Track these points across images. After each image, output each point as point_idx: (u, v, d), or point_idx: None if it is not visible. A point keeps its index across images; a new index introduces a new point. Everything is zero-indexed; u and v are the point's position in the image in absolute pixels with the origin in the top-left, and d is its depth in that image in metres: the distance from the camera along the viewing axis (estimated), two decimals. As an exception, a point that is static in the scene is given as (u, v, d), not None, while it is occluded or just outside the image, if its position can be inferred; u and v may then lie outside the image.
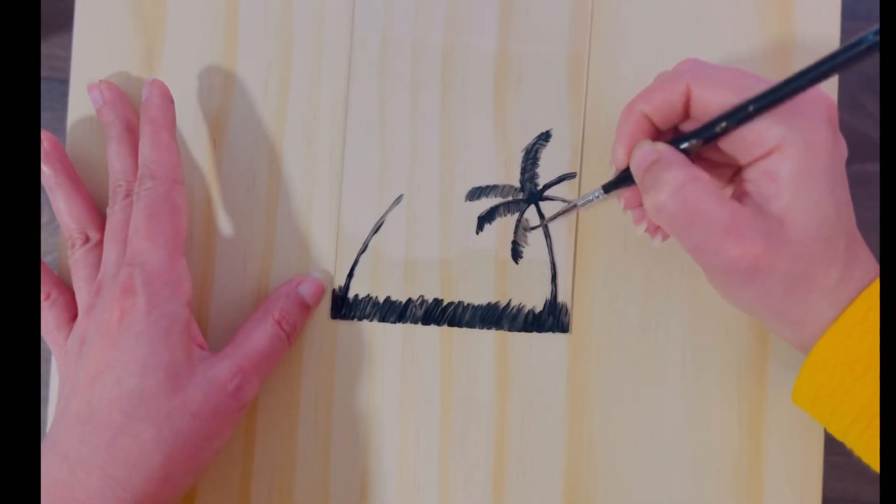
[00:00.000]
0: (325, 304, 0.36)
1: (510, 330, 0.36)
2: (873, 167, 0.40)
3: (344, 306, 0.36)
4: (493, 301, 0.36)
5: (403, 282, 0.36)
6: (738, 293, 0.30)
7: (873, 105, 0.40)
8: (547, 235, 0.36)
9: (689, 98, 0.30)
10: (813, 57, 0.37)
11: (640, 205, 0.32)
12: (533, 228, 0.36)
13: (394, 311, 0.36)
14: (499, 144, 0.36)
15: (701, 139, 0.30)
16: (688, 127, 0.31)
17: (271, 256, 0.36)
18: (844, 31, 0.36)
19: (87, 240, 0.34)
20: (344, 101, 0.37)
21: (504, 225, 0.36)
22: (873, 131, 0.40)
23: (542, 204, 0.36)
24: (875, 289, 0.29)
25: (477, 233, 0.36)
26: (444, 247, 0.36)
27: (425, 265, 0.36)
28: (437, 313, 0.36)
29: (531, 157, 0.36)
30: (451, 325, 0.36)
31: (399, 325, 0.36)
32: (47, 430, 0.33)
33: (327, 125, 0.36)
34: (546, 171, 0.36)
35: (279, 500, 0.36)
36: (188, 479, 0.32)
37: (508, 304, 0.36)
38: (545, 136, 0.36)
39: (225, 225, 0.36)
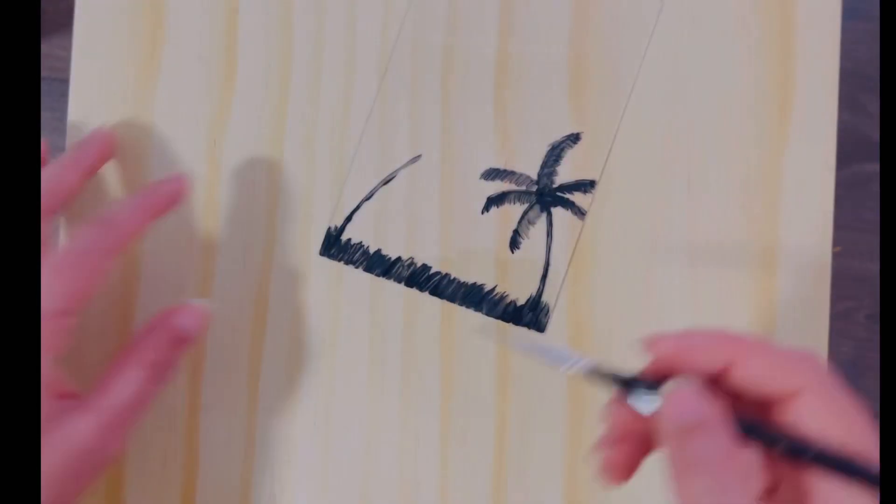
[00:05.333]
0: (317, 242, 0.36)
1: (488, 314, 0.36)
2: (873, 167, 0.40)
3: (334, 246, 0.36)
4: (480, 282, 0.36)
5: (399, 241, 0.36)
6: None
7: (873, 105, 0.40)
8: (549, 235, 0.36)
9: (789, 400, 0.24)
10: (814, 57, 0.37)
11: (623, 434, 0.26)
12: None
13: (380, 265, 0.36)
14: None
15: (775, 444, 0.23)
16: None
17: (271, 257, 0.36)
18: (844, 31, 0.36)
19: None
20: (344, 101, 0.37)
21: (511, 212, 0.36)
22: (873, 131, 0.40)
23: (552, 208, 0.36)
24: None
25: (483, 212, 0.36)
26: (446, 217, 0.36)
27: (424, 231, 0.36)
28: (422, 279, 0.36)
29: (555, 154, 0.36)
30: (432, 293, 0.36)
31: (400, 325, 0.36)
32: None
33: (327, 125, 0.36)
34: (566, 172, 0.36)
35: (279, 500, 0.36)
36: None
37: (493, 289, 0.36)
38: (574, 138, 0.36)
39: (225, 225, 0.36)
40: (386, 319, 0.36)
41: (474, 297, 0.36)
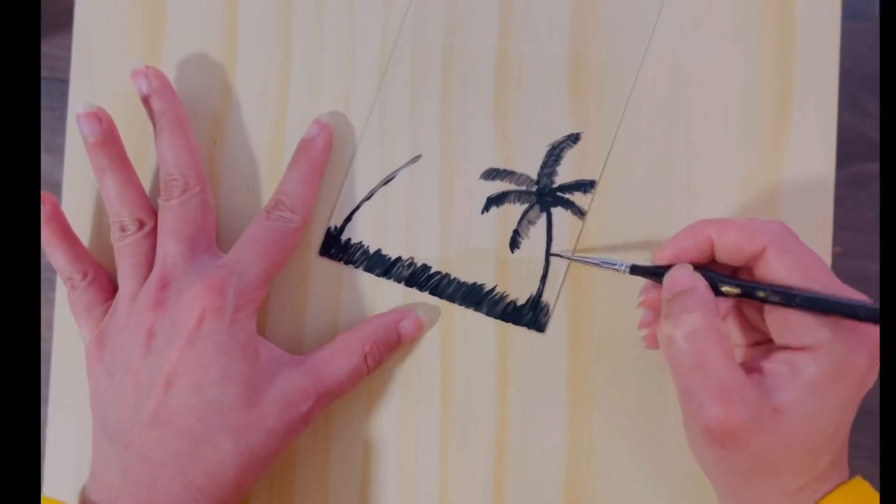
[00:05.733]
0: (316, 243, 0.36)
1: (488, 314, 0.36)
2: (873, 167, 0.40)
3: (334, 246, 0.36)
4: (480, 282, 0.36)
5: (399, 241, 0.36)
6: (704, 452, 0.30)
7: (873, 105, 0.40)
8: (549, 235, 0.36)
9: (760, 257, 0.29)
10: (814, 57, 0.37)
11: (655, 310, 0.33)
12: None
13: (380, 265, 0.36)
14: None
15: (741, 293, 0.29)
16: (741, 274, 0.31)
17: (271, 256, 0.36)
18: (844, 31, 0.36)
19: (140, 226, 0.33)
20: (344, 101, 0.37)
21: (511, 212, 0.36)
22: (873, 131, 0.40)
23: (552, 208, 0.36)
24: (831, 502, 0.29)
25: (483, 212, 0.36)
26: (446, 217, 0.36)
27: (424, 231, 0.36)
28: (422, 279, 0.36)
29: (555, 154, 0.36)
30: (432, 293, 0.36)
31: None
32: (92, 423, 0.33)
33: (327, 125, 0.36)
34: (566, 172, 0.36)
35: (279, 500, 0.36)
36: (247, 492, 0.32)
37: (493, 289, 0.36)
38: (574, 138, 0.36)
39: (225, 225, 0.36)
40: (386, 319, 0.36)
41: (474, 297, 0.36)
